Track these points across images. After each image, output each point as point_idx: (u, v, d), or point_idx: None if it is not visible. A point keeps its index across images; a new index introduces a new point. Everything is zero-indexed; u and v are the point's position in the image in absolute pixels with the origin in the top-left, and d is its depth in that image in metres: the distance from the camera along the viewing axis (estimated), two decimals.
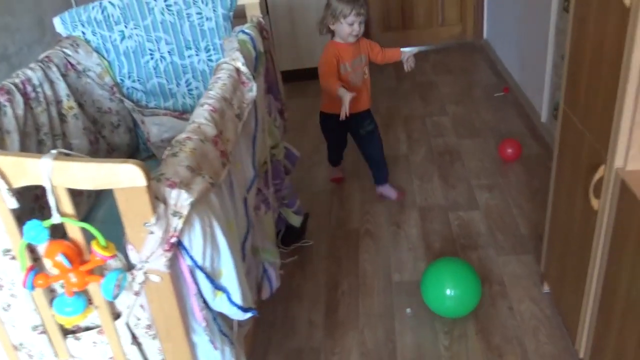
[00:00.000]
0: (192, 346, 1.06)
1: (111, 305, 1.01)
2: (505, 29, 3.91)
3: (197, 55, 2.12)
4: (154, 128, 2.12)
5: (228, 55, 1.52)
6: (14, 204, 0.90)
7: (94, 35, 2.04)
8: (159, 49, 2.10)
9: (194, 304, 1.02)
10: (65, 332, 1.07)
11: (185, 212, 0.92)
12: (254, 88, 1.47)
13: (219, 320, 1.11)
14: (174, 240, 0.92)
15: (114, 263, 0.95)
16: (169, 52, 2.11)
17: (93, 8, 2.01)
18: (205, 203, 1.01)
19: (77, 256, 0.93)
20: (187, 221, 0.94)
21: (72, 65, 1.94)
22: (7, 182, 0.89)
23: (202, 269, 0.99)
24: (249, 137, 1.45)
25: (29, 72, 1.71)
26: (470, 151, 2.97)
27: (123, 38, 2.07)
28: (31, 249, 0.96)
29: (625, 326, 1.31)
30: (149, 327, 1.02)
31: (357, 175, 2.88)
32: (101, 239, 0.91)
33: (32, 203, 1.54)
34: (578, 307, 1.60)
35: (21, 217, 0.95)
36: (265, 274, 1.58)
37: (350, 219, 2.54)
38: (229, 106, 1.32)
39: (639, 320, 1.22)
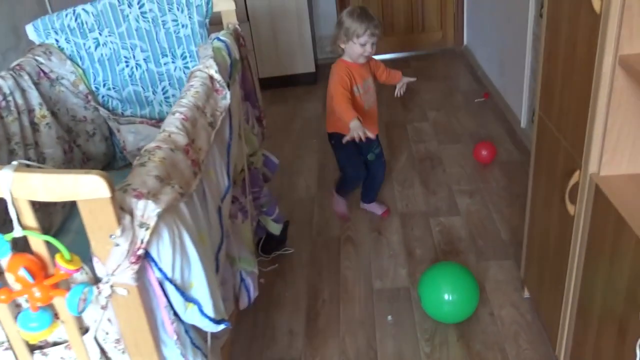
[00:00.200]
0: None
1: (78, 319, 0.98)
2: (485, 35, 3.94)
3: (173, 62, 2.10)
4: (130, 136, 2.09)
5: (202, 63, 1.50)
6: None
7: (67, 42, 2.01)
8: (134, 56, 2.08)
9: (165, 316, 1.00)
10: (32, 347, 1.04)
11: (152, 223, 0.90)
12: (228, 96, 1.46)
13: (191, 333, 1.09)
14: (140, 252, 0.89)
15: (80, 276, 0.93)
16: (144, 59, 2.08)
17: (66, 15, 1.98)
18: (174, 213, 0.99)
19: (40, 270, 0.90)
20: (155, 232, 0.92)
21: (45, 73, 1.91)
22: None
23: (171, 280, 0.97)
24: (223, 145, 1.43)
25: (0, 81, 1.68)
26: (451, 157, 2.98)
27: (97, 45, 2.04)
28: None
29: (602, 332, 1.31)
30: (117, 341, 1.00)
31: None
32: (65, 252, 0.88)
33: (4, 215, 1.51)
34: (557, 312, 1.60)
35: None
36: (242, 284, 1.56)
37: (332, 226, 2.53)
38: (201, 114, 1.30)
39: (616, 325, 1.22)
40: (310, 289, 2.15)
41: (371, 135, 2.14)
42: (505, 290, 2.02)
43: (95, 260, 0.90)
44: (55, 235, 1.69)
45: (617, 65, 1.19)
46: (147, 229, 0.89)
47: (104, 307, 0.93)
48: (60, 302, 0.94)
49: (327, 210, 2.65)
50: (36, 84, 1.83)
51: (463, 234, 2.35)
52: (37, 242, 0.91)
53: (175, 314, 1.02)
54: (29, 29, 2.00)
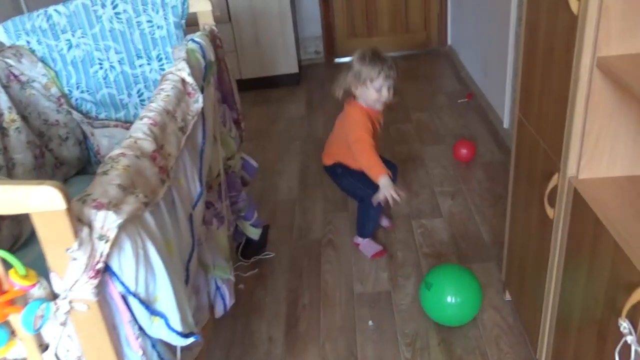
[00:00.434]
0: None
1: (37, 336, 0.94)
2: (468, 36, 3.93)
3: (148, 64, 2.05)
4: (104, 140, 2.04)
5: (174, 66, 1.46)
6: None
7: (39, 44, 1.96)
8: (108, 58, 2.03)
9: (129, 331, 0.96)
10: None
11: (112, 235, 0.86)
12: (200, 99, 1.42)
13: (158, 347, 1.05)
14: (100, 266, 0.86)
15: (37, 291, 0.89)
16: (119, 61, 2.04)
17: (38, 16, 1.93)
18: (138, 223, 0.95)
19: None
20: (116, 244, 0.88)
21: (15, 76, 1.85)
22: None
23: (135, 294, 0.93)
24: (195, 150, 1.39)
25: None
26: (434, 158, 2.96)
27: (70, 47, 1.99)
28: None
29: (582, 337, 1.29)
30: (79, 358, 0.96)
31: (320, 185, 2.83)
32: (19, 267, 0.84)
33: None
34: (538, 316, 1.58)
35: None
36: (218, 292, 1.52)
37: (313, 229, 2.50)
38: (171, 119, 1.26)
39: (596, 331, 1.20)
40: (291, 293, 2.12)
41: (402, 195, 1.97)
42: (487, 292, 2.00)
43: (52, 275, 0.86)
44: (25, 244, 1.64)
45: (595, 68, 1.17)
46: (107, 241, 0.86)
47: (63, 324, 0.89)
48: (17, 319, 0.90)
49: (309, 212, 2.62)
50: (5, 87, 1.78)
51: (445, 236, 2.33)
52: None
53: (141, 328, 0.98)
54: None
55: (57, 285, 0.87)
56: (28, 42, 1.95)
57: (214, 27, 1.96)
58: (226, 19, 3.98)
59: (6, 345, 0.91)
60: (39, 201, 0.78)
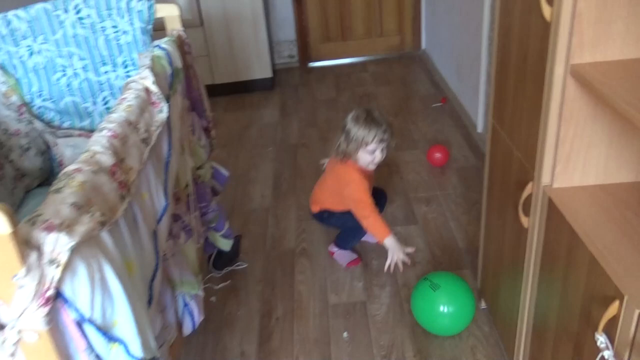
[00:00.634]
0: None
1: None
2: (442, 39, 3.93)
3: (114, 71, 1.98)
4: (68, 150, 1.97)
5: (137, 73, 1.41)
6: None
7: None
8: (72, 64, 1.95)
9: None
10: None
11: (64, 259, 0.80)
12: (165, 109, 1.36)
13: None
14: (51, 292, 0.80)
15: None
16: (83, 68, 1.96)
17: None
18: (94, 245, 0.89)
19: None
20: (68, 269, 0.82)
21: None
22: None
23: (90, 320, 0.88)
24: (160, 162, 1.33)
25: None
26: (409, 163, 2.93)
27: (31, 53, 1.91)
28: None
29: (558, 349, 1.27)
30: None
31: (293, 192, 2.79)
32: None
33: None
34: (514, 325, 1.56)
35: None
36: (186, 308, 1.46)
37: (286, 238, 2.45)
38: (133, 130, 1.21)
39: (572, 344, 1.18)
40: (264, 305, 2.07)
41: (410, 250, 1.97)
42: None
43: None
44: None
45: (568, 75, 1.15)
46: (57, 265, 0.80)
47: (12, 355, 0.83)
48: None
49: (282, 220, 2.57)
50: None
51: (420, 243, 2.30)
52: None
53: (98, 356, 0.92)
54: None
55: (4, 315, 0.81)
56: None
57: (182, 33, 1.90)
58: (198, 22, 3.91)
59: None
60: None
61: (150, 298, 1.12)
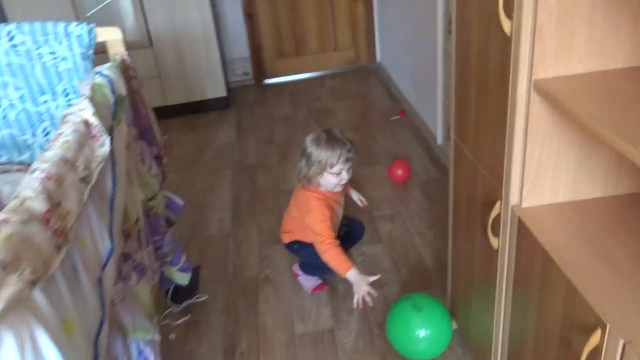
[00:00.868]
0: None
1: None
2: (397, 52, 3.91)
3: (54, 100, 1.86)
4: (5, 187, 1.82)
5: (75, 105, 1.29)
6: None
7: None
8: (7, 95, 1.82)
9: None
10: None
11: None
12: (107, 142, 1.26)
13: None
14: None
15: None
16: (19, 98, 1.83)
17: None
18: (23, 308, 0.78)
19: None
20: None
21: None
22: None
23: None
24: (103, 201, 1.23)
25: None
26: (370, 179, 2.88)
27: None
28: None
29: None
30: None
31: (253, 215, 2.69)
32: None
33: None
34: (488, 349, 1.50)
35: None
36: (140, 357, 1.35)
37: (248, 264, 2.35)
38: (70, 169, 1.10)
39: None
40: (227, 339, 1.96)
41: (374, 278, 1.83)
42: None
43: None
44: None
45: (532, 91, 1.10)
46: None
47: None
48: None
49: (243, 246, 2.47)
50: None
51: (386, 263, 2.23)
52: None
53: None
54: None
55: None
56: None
57: (126, 57, 1.79)
58: (147, 43, 3.79)
59: None
60: None
61: (96, 356, 1.01)
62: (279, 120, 3.81)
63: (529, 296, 1.19)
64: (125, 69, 1.75)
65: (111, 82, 1.53)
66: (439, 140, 3.06)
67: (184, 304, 2.10)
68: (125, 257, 1.43)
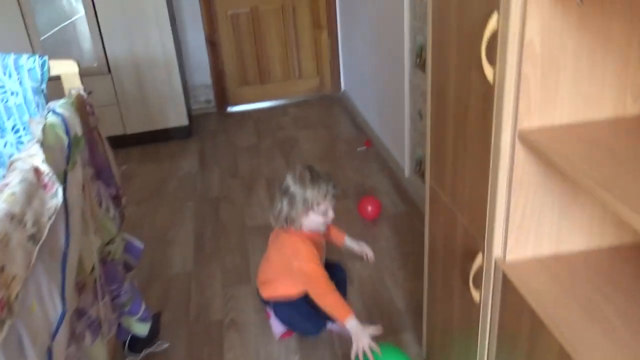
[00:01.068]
0: None
1: None
2: (362, 81, 3.89)
3: (2, 137, 1.73)
4: None
5: (24, 150, 1.18)
6: None
7: None
8: None
9: None
10: None
11: None
12: (60, 192, 1.15)
13: None
14: None
15: None
16: None
17: None
18: None
19: None
20: None
21: None
22: None
23: None
24: (54, 258, 1.11)
25: None
26: (339, 215, 2.75)
27: None
28: None
29: None
30: None
31: (218, 253, 2.58)
32: None
33: None
34: None
35: None
36: None
37: (213, 307, 2.23)
38: (17, 226, 0.98)
39: None
40: None
41: (377, 332, 1.70)
42: None
43: None
44: None
45: (517, 141, 1.05)
46: None
47: None
48: None
49: (207, 287, 2.35)
50: None
51: (357, 306, 2.15)
52: None
53: None
54: None
55: None
56: None
57: (82, 92, 1.68)
58: (105, 70, 3.66)
59: None
60: None
61: None
62: (242, 150, 3.72)
63: (518, 356, 1.13)
64: (81, 104, 1.64)
65: (65, 122, 1.42)
66: (407, 172, 3.03)
67: (142, 354, 1.96)
68: (79, 313, 1.31)
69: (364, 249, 2.09)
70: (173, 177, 3.41)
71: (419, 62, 2.62)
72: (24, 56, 1.68)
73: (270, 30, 4.37)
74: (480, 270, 1.24)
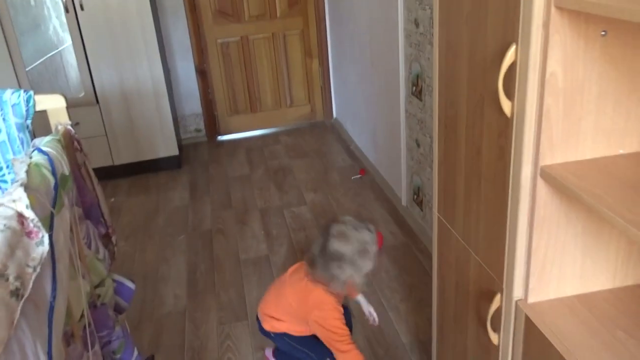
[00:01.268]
0: None
1: None
2: (355, 109, 3.84)
3: None
4: None
5: (7, 194, 1.09)
6: None
7: None
8: None
9: None
10: None
11: None
12: (46, 239, 1.06)
13: None
14: None
15: None
16: None
17: None
18: None
19: None
20: None
21: None
22: None
23: None
24: (40, 312, 1.02)
25: None
26: None
27: None
28: None
29: None
30: None
31: (212, 289, 2.47)
32: None
33: None
34: None
35: None
36: None
37: (208, 348, 2.12)
38: None
39: None
40: None
41: None
42: None
43: None
44: None
45: (538, 178, 0.99)
46: None
47: None
48: None
49: (202, 325, 2.24)
50: None
51: (360, 342, 2.06)
52: None
53: None
54: None
55: None
56: None
57: (70, 127, 1.60)
58: (93, 100, 3.58)
59: None
60: None
61: None
62: (234, 180, 3.64)
63: None
64: (68, 141, 1.55)
65: (51, 161, 1.33)
66: (404, 201, 2.96)
67: None
68: None
69: (371, 312, 2.00)
70: (163, 210, 3.31)
71: (415, 90, 2.58)
72: (8, 91, 1.60)
73: (260, 58, 4.33)
74: (498, 311, 1.17)
